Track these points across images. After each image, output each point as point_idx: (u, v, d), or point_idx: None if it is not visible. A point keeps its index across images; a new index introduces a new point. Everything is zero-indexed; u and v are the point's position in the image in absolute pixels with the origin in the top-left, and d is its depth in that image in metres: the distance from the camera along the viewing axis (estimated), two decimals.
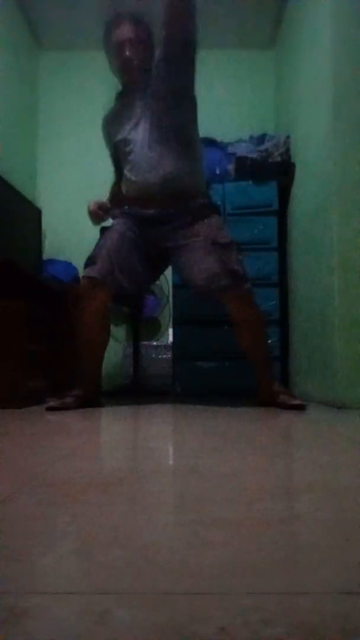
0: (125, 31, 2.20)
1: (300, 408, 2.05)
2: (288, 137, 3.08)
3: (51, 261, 3.38)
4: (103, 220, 2.38)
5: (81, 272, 3.35)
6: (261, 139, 3.14)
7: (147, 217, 2.22)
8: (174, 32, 2.05)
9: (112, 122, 2.36)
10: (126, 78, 2.28)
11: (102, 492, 0.78)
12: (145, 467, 1.01)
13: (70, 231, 3.66)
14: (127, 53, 2.21)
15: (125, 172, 2.28)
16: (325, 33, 2.40)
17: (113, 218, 2.35)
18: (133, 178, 2.23)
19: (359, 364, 2.16)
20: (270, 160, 3.03)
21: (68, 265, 3.38)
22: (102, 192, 3.66)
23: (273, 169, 3.02)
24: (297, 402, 2.09)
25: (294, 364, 2.97)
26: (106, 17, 2.26)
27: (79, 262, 3.45)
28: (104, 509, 0.70)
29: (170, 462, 1.14)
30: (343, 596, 0.44)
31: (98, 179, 3.71)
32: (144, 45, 2.23)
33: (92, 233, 3.58)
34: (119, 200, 2.36)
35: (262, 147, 3.05)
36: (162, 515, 0.69)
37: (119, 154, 2.34)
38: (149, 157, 2.18)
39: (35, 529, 0.61)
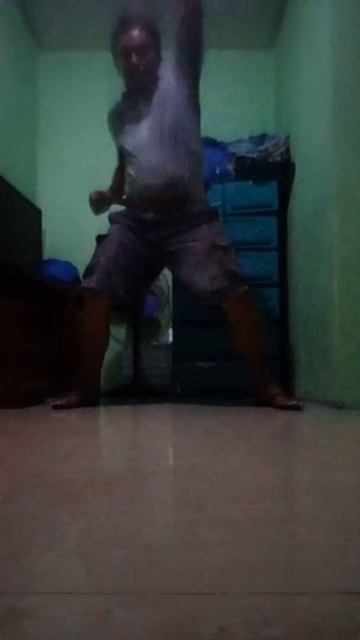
0: (134, 36, 2.21)
1: (297, 408, 2.05)
2: (288, 137, 3.08)
3: (51, 261, 3.38)
4: (104, 210, 2.40)
5: (81, 272, 3.39)
6: (261, 139, 3.14)
7: (148, 220, 2.24)
8: (188, 36, 2.13)
9: (117, 121, 2.37)
10: (132, 82, 2.29)
11: (102, 492, 0.78)
12: (145, 467, 1.01)
13: (70, 231, 3.66)
14: (135, 58, 2.22)
15: (128, 173, 2.30)
16: (325, 33, 2.40)
17: (111, 222, 2.35)
18: (136, 180, 2.25)
19: (358, 364, 2.16)
20: (270, 160, 3.03)
21: (68, 265, 3.38)
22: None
23: (273, 169, 3.01)
24: (293, 402, 2.09)
25: (294, 364, 2.97)
26: (115, 20, 2.27)
27: (79, 262, 3.45)
28: (104, 509, 0.70)
29: (170, 462, 1.14)
30: (343, 596, 0.44)
31: (98, 179, 3.72)
32: (151, 51, 2.24)
33: (92, 233, 3.59)
34: (120, 190, 2.40)
35: (262, 147, 3.05)
36: (162, 515, 0.69)
37: (122, 154, 2.35)
38: (153, 160, 2.19)
39: (35, 529, 0.61)
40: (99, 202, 2.35)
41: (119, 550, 0.54)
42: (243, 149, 3.08)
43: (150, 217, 2.24)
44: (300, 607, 0.42)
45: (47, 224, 3.54)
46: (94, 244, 3.56)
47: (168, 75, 2.25)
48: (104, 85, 3.62)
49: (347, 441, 1.40)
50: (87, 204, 3.86)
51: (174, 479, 0.93)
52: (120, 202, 2.40)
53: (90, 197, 2.37)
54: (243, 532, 0.60)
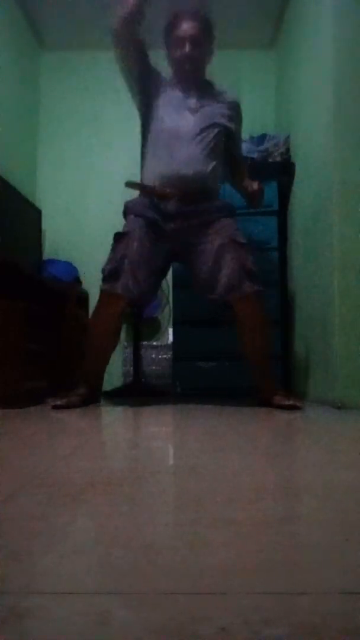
0: (190, 27, 2.25)
1: (296, 408, 2.06)
2: (288, 137, 3.07)
3: (51, 261, 3.38)
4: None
5: (82, 272, 3.39)
6: (261, 139, 3.13)
7: (169, 210, 2.23)
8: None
9: (161, 88, 2.31)
10: (181, 72, 2.32)
11: (103, 492, 0.78)
12: (146, 467, 1.01)
13: (70, 231, 3.66)
14: (188, 49, 2.25)
15: (157, 157, 2.26)
16: (325, 33, 2.40)
17: (126, 212, 2.31)
18: (167, 167, 2.22)
19: (359, 364, 2.16)
20: (270, 160, 3.03)
21: (68, 265, 3.38)
22: (101, 191, 3.67)
23: (273, 169, 3.01)
24: (292, 402, 2.10)
25: (294, 364, 2.97)
26: (171, 11, 2.29)
27: (79, 262, 3.46)
28: (104, 509, 0.70)
29: (171, 462, 1.14)
30: (343, 596, 0.44)
31: (98, 179, 3.73)
32: (204, 45, 2.28)
33: (92, 233, 3.59)
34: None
35: (262, 147, 3.05)
36: (162, 515, 0.69)
37: (155, 133, 2.29)
38: (188, 153, 2.21)
39: (36, 529, 0.61)
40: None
41: (119, 550, 0.54)
42: (243, 149, 3.08)
43: (172, 206, 2.22)
44: (300, 607, 0.42)
45: (47, 224, 3.54)
46: (94, 243, 3.58)
47: (225, 111, 2.32)
48: (105, 85, 3.63)
49: (347, 441, 1.40)
50: (87, 203, 3.86)
51: (175, 479, 0.93)
52: (141, 187, 2.31)
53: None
54: (243, 532, 0.60)
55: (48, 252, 3.56)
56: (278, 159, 3.02)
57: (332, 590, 0.45)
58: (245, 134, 3.35)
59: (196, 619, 0.39)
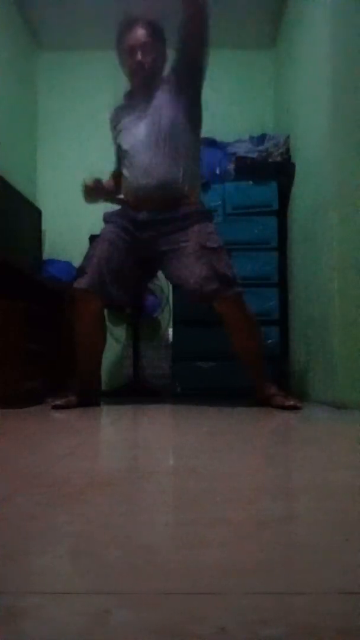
0: (139, 35, 2.22)
1: (296, 409, 2.05)
2: (288, 137, 3.08)
3: (51, 261, 3.38)
4: (97, 200, 2.36)
5: None
6: (261, 139, 3.14)
7: (139, 219, 2.24)
8: (192, 37, 2.13)
9: (117, 120, 2.38)
10: (136, 81, 2.30)
11: (102, 492, 0.78)
12: (145, 467, 1.01)
13: (70, 231, 3.66)
14: (139, 57, 2.22)
15: (123, 172, 2.31)
16: (324, 32, 2.40)
17: (104, 222, 2.35)
18: (129, 180, 2.26)
19: (359, 364, 2.16)
20: (270, 160, 3.03)
21: (68, 265, 3.38)
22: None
23: (273, 169, 3.01)
24: (291, 402, 2.09)
25: (294, 364, 2.97)
26: (120, 19, 2.27)
27: (78, 262, 3.46)
28: (104, 509, 0.70)
29: (170, 462, 1.14)
30: (342, 596, 0.44)
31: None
32: (156, 51, 2.25)
33: (91, 233, 3.59)
34: (115, 192, 2.40)
35: (262, 147, 3.05)
36: (161, 515, 0.69)
37: (119, 154, 2.36)
38: (147, 161, 2.21)
39: (34, 529, 0.61)
40: (92, 191, 2.30)
41: (118, 550, 0.54)
42: (243, 149, 3.08)
43: (141, 216, 2.24)
44: (299, 607, 0.42)
45: (47, 224, 3.54)
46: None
47: (169, 81, 2.26)
48: (103, 85, 3.63)
49: (347, 441, 1.40)
50: (88, 203, 3.85)
51: (174, 479, 0.93)
52: (115, 201, 2.39)
53: (85, 184, 2.31)
54: (242, 532, 0.60)
55: (48, 252, 3.56)
56: (278, 159, 3.02)
57: (331, 590, 0.45)
58: (245, 134, 3.36)
59: (194, 618, 0.39)
